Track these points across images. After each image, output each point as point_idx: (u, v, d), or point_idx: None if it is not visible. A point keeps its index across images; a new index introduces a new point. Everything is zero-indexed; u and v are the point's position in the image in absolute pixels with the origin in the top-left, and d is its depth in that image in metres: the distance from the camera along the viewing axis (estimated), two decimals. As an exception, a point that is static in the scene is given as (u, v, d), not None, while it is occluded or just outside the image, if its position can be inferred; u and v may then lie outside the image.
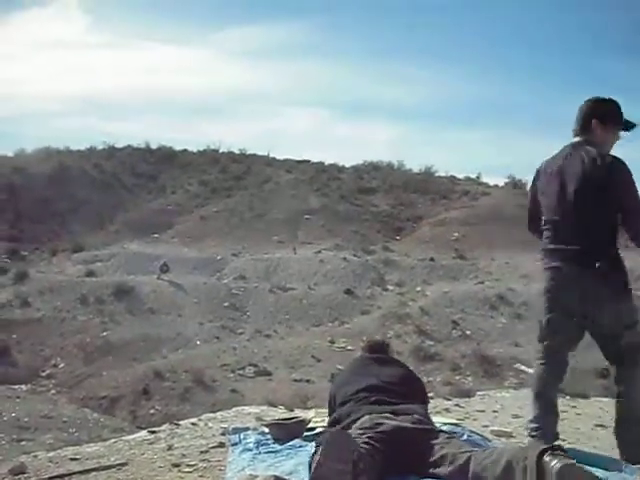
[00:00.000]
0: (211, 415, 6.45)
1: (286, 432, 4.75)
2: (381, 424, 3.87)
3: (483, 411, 7.57)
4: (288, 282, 35.31)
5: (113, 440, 5.70)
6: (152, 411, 22.59)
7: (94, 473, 4.35)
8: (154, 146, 65.07)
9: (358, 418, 4.02)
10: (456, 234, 43.42)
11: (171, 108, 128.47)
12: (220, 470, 4.13)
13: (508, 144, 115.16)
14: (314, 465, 3.17)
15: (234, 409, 6.81)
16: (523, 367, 26.08)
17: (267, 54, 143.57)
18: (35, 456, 5.24)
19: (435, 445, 3.76)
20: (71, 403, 23.87)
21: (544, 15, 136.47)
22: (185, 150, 65.77)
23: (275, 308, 32.72)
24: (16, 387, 24.60)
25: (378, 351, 5.08)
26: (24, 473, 4.50)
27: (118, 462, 4.58)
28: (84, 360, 27.41)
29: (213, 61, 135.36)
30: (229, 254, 40.21)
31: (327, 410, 5.02)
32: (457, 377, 25.53)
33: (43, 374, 26.71)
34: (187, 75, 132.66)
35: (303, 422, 5.02)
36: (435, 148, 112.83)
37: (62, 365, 27.29)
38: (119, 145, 65.05)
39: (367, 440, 3.66)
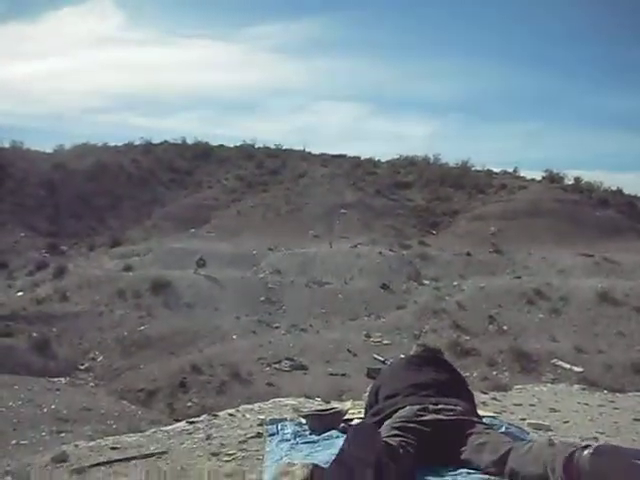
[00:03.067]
0: (248, 406, 6.48)
1: (323, 423, 4.77)
2: (422, 415, 3.90)
3: (520, 405, 7.51)
4: (324, 276, 35.36)
5: (152, 430, 5.76)
6: (189, 404, 22.75)
7: (134, 461, 4.41)
8: (190, 142, 65.88)
9: (401, 408, 4.06)
10: (493, 228, 43.18)
11: (207, 104, 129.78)
12: (258, 459, 4.18)
13: (546, 137, 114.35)
14: (339, 451, 3.20)
15: (271, 401, 6.84)
16: (560, 362, 25.85)
17: (303, 49, 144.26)
18: (76, 445, 5.31)
19: (473, 434, 3.79)
20: (109, 396, 24.12)
21: (585, 4, 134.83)
22: (221, 145, 66.38)
23: (311, 302, 32.77)
24: (55, 380, 24.87)
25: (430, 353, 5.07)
26: (66, 461, 4.58)
27: (158, 451, 4.65)
28: (122, 354, 27.70)
29: (249, 56, 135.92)
30: (265, 249, 40.36)
31: (364, 401, 5.04)
32: (494, 372, 25.37)
33: (82, 367, 27.03)
34: (223, 71, 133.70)
35: (340, 413, 5.04)
36: (472, 142, 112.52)
37: (100, 358, 27.61)
38: (156, 141, 65.91)
39: (401, 433, 3.69)
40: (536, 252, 38.63)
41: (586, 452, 3.11)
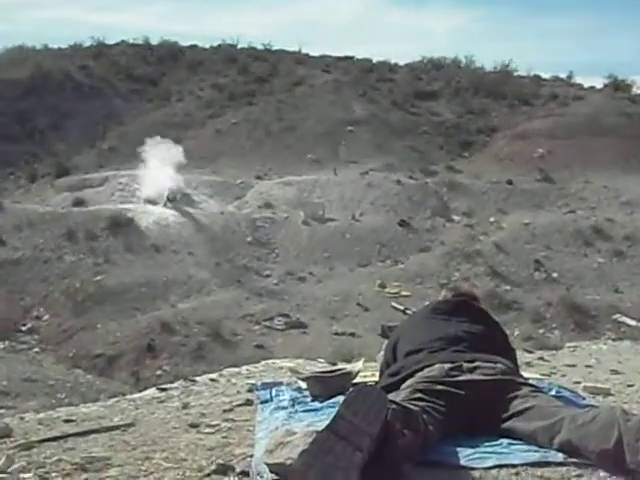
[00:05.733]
0: (234, 370, 6.58)
1: (328, 387, 4.82)
2: (454, 375, 3.95)
3: (574, 365, 7.59)
4: (327, 211, 35.36)
5: (115, 399, 5.86)
6: (159, 372, 23.01)
7: (94, 435, 4.45)
8: (155, 42, 65.18)
9: (427, 366, 4.10)
10: (540, 150, 43.05)
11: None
12: (248, 430, 4.21)
13: (608, 36, 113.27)
14: (333, 415, 3.18)
15: (263, 362, 6.95)
16: (624, 318, 25.98)
17: None
18: (22, 418, 5.39)
19: (517, 397, 3.84)
20: (59, 363, 24.39)
21: None
22: (194, 46, 65.81)
23: (310, 244, 32.85)
24: (-9, 345, 25.08)
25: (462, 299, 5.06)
26: (9, 436, 4.62)
27: (123, 423, 4.71)
28: (73, 310, 27.84)
29: None
30: (252, 177, 40.32)
31: (379, 360, 5.09)
32: (540, 330, 25.59)
33: (24, 328, 27.23)
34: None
35: (349, 375, 5.08)
36: (514, 40, 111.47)
37: (46, 317, 27.78)
38: (110, 41, 65.27)
39: (427, 397, 3.72)
40: (595, 180, 38.61)
41: None
